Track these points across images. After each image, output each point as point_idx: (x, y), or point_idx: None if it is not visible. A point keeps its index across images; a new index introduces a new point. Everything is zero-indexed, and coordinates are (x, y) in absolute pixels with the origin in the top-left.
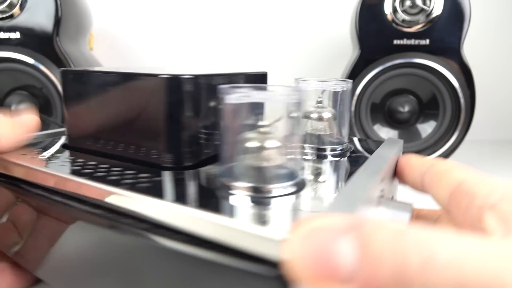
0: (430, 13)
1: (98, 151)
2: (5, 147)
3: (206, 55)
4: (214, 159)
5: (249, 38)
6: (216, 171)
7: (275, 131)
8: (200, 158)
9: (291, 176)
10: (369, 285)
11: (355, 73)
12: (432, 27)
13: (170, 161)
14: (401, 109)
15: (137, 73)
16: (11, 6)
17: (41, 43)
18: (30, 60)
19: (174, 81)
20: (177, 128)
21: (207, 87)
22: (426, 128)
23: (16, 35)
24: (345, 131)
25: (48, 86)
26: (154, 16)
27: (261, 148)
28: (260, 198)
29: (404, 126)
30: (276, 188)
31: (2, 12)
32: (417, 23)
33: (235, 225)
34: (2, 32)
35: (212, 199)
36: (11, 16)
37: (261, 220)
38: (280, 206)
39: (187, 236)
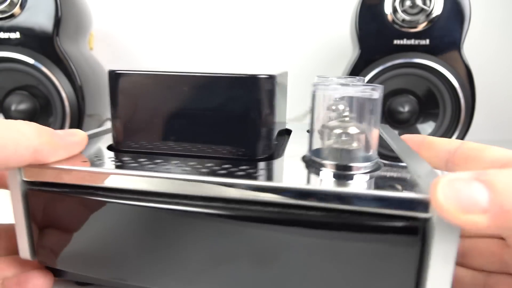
0: (430, 13)
1: (160, 152)
2: (48, 158)
3: (205, 55)
4: (279, 150)
5: (248, 38)
6: (292, 159)
7: (355, 119)
8: (271, 150)
9: (370, 157)
10: (502, 209)
11: (355, 73)
12: (432, 27)
13: (248, 154)
14: (401, 109)
15: (212, 73)
16: (11, 6)
17: (41, 43)
18: (30, 60)
19: (256, 80)
20: (258, 123)
21: (277, 85)
22: (426, 128)
23: (16, 35)
24: None
25: (48, 86)
26: (154, 16)
27: (345, 134)
28: (349, 175)
29: (404, 126)
30: (362, 167)
31: (2, 12)
32: (417, 23)
33: (384, 194)
34: (2, 32)
35: (327, 179)
36: (11, 16)
37: (393, 188)
38: (386, 179)
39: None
